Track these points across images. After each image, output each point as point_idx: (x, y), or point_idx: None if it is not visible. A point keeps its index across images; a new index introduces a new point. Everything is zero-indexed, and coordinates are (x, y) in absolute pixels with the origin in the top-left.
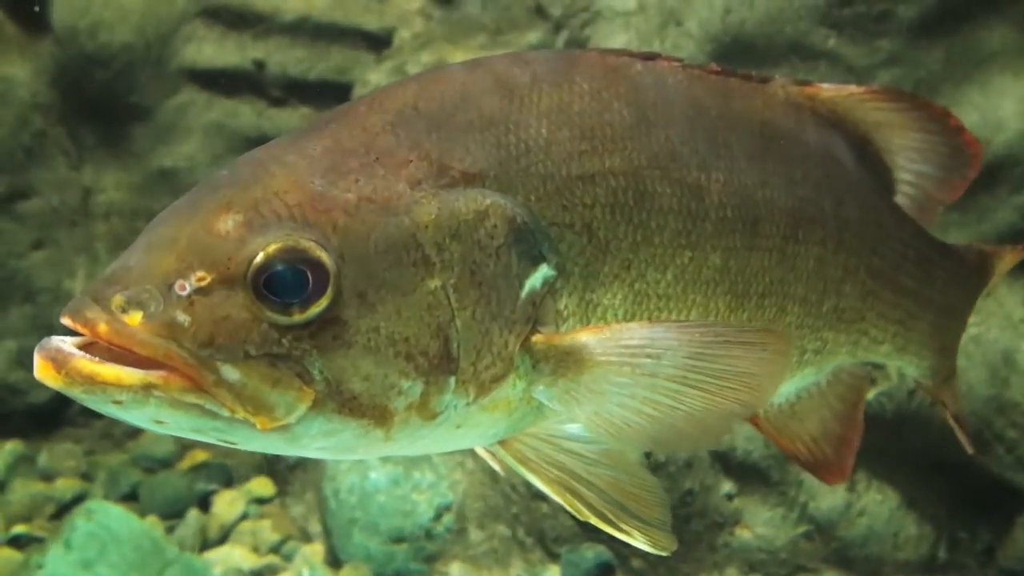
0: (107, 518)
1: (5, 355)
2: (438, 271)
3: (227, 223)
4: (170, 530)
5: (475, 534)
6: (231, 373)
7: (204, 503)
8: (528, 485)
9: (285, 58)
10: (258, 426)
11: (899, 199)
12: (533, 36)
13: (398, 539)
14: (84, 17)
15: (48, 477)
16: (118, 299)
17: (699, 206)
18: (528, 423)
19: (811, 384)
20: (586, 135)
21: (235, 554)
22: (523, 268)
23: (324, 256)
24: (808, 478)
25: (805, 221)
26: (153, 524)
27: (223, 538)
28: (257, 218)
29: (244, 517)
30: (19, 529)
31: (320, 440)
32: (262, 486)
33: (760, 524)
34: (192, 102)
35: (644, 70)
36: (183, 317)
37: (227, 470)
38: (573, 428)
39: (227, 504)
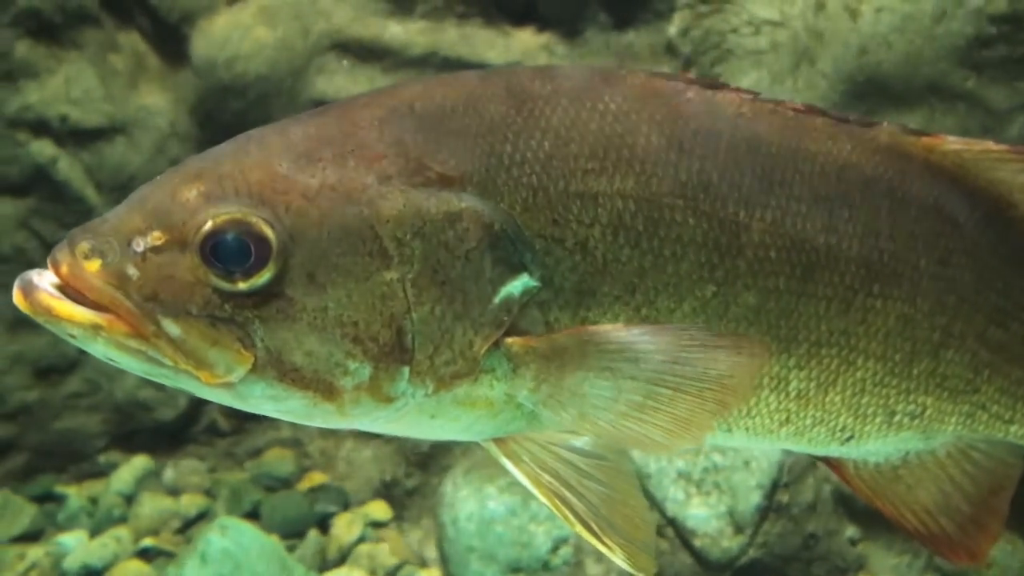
0: (240, 535)
1: None
2: (395, 264)
3: (191, 192)
4: (290, 549)
5: (592, 568)
6: (171, 327)
7: (323, 524)
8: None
9: None
10: (202, 380)
11: None
12: None
13: (515, 569)
14: (223, 50)
15: (174, 492)
16: (83, 246)
17: (732, 242)
18: (520, 427)
19: (921, 451)
20: (597, 154)
21: None
22: (498, 274)
23: (269, 232)
24: None
25: (886, 275)
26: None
27: (341, 559)
28: (217, 190)
29: (362, 540)
30: (147, 542)
31: (268, 403)
32: (379, 510)
33: (885, 571)
34: None
35: (696, 98)
36: (133, 270)
37: (344, 493)
38: (574, 441)
39: (345, 526)
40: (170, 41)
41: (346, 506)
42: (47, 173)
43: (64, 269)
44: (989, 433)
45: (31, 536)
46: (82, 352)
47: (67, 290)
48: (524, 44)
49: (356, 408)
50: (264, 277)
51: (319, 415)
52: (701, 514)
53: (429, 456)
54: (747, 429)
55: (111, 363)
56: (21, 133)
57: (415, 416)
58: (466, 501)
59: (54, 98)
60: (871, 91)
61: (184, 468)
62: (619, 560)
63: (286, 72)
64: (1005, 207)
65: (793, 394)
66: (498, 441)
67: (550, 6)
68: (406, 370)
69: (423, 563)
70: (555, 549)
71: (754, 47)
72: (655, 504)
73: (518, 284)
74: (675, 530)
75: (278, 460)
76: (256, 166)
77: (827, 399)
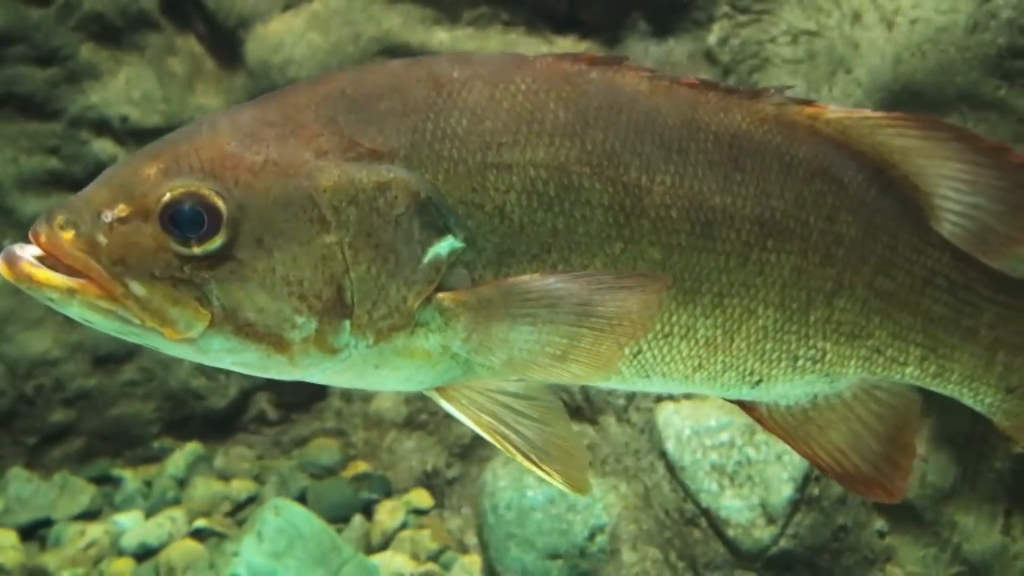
0: (293, 516)
1: (189, 363)
2: (333, 229)
3: (151, 169)
4: (337, 533)
5: (628, 555)
6: (137, 288)
7: (367, 511)
8: (681, 512)
9: None
10: (166, 336)
11: (952, 230)
12: None
13: (554, 555)
14: (277, 54)
15: (224, 477)
16: (60, 218)
17: (635, 204)
18: (457, 376)
19: (829, 394)
20: (510, 129)
21: (397, 560)
22: (426, 237)
23: (220, 202)
24: (963, 520)
25: (779, 231)
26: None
27: (385, 544)
28: (174, 167)
29: (404, 526)
30: (200, 523)
31: (227, 356)
32: (421, 498)
33: (912, 563)
34: None
35: (598, 77)
36: (103, 238)
37: (387, 482)
38: (508, 386)
39: (388, 513)
40: (226, 45)
41: (389, 494)
42: None
43: (43, 239)
44: (887, 375)
45: (90, 515)
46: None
47: (46, 261)
48: (566, 51)
49: (306, 359)
50: (216, 242)
51: (273, 366)
52: (734, 505)
53: (469, 447)
54: (664, 375)
55: (87, 324)
56: (84, 132)
57: (361, 367)
58: (505, 490)
59: (115, 99)
60: (905, 100)
61: (234, 455)
62: (558, 484)
63: None
64: (886, 167)
65: (702, 341)
66: (439, 390)
67: (591, 14)
68: (347, 323)
69: (464, 549)
70: (592, 537)
71: (791, 56)
72: (689, 496)
73: (444, 245)
74: (708, 520)
75: (323, 449)
76: (208, 145)
77: (734, 345)
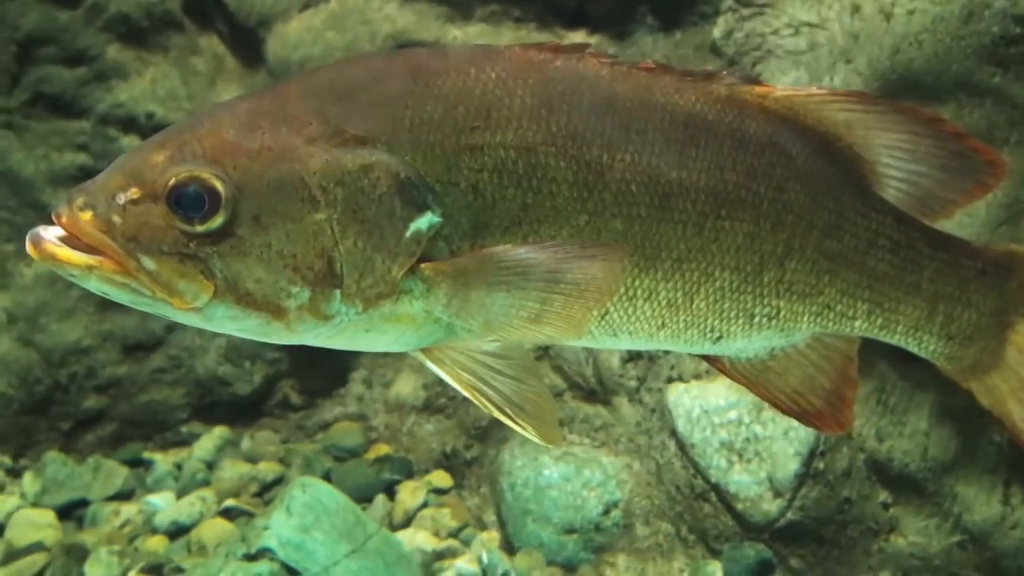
0: (319, 492)
1: (215, 350)
2: (323, 207)
3: (159, 156)
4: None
5: (641, 529)
6: (149, 263)
7: (389, 491)
8: (691, 487)
9: None
10: (175, 306)
11: (895, 195)
12: None
13: (569, 530)
14: (296, 52)
15: (251, 460)
16: (79, 201)
17: (598, 179)
18: (440, 338)
19: (786, 346)
20: (481, 114)
21: (418, 536)
22: (407, 213)
23: (220, 185)
24: (963, 491)
25: (732, 201)
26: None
27: (407, 522)
28: (178, 154)
29: (425, 505)
30: (229, 503)
31: (229, 323)
32: (440, 478)
33: (914, 533)
34: None
35: (562, 65)
36: (117, 218)
37: (408, 463)
38: (486, 346)
39: (410, 492)
40: (247, 44)
41: (410, 475)
42: None
43: (64, 219)
44: (838, 329)
45: (123, 496)
46: (167, 331)
47: (68, 240)
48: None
49: (301, 325)
50: (217, 221)
51: (273, 332)
52: (743, 480)
53: (487, 429)
54: (630, 334)
55: (104, 296)
56: (112, 129)
57: (352, 331)
58: (523, 469)
59: (142, 97)
60: (903, 88)
61: (260, 439)
62: (532, 436)
63: None
64: (832, 140)
65: (664, 302)
66: (424, 351)
67: (600, 9)
68: (338, 292)
69: (483, 526)
70: (606, 512)
71: (794, 48)
72: (699, 472)
73: (424, 220)
74: (718, 495)
75: (346, 433)
76: (209, 134)
77: (694, 305)
